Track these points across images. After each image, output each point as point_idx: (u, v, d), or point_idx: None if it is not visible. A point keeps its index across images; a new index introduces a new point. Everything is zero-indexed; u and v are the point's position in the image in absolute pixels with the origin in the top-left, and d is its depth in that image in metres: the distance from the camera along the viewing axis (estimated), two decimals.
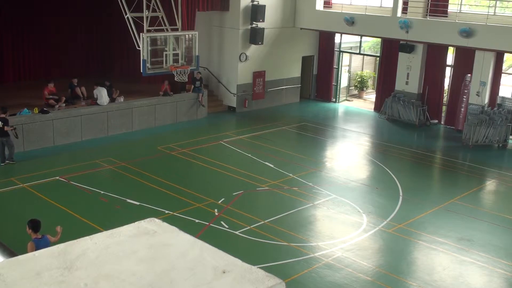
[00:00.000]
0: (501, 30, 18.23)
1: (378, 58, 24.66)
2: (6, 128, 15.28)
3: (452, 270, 10.89)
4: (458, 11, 19.89)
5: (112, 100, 18.84)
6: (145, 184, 14.51)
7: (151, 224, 2.16)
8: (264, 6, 21.82)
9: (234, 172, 15.72)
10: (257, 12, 21.71)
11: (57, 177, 14.68)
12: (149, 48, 16.78)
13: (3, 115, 15.38)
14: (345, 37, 24.81)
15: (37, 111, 17.14)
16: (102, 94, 18.43)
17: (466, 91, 20.16)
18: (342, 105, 24.95)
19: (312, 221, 13.05)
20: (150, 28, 17.12)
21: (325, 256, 11.16)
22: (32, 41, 21.86)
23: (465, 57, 20.39)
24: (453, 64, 21.32)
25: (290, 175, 15.59)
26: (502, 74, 20.49)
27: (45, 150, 16.86)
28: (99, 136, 18.28)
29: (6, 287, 1.73)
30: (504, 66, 21.66)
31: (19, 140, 16.37)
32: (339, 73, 25.06)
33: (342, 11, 22.18)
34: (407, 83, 21.96)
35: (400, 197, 14.36)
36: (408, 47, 21.20)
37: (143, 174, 15.17)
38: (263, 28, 22.04)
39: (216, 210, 13.05)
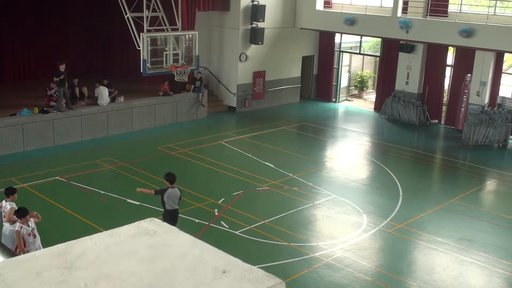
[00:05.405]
0: (501, 30, 18.23)
1: (378, 58, 24.66)
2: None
3: (452, 270, 10.89)
4: (458, 11, 19.88)
5: (112, 100, 18.83)
6: (145, 184, 14.49)
7: (151, 224, 2.16)
8: (264, 6, 21.82)
9: (234, 172, 15.72)
10: (257, 12, 21.71)
11: (57, 177, 14.68)
12: (149, 48, 16.77)
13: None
14: (345, 37, 24.80)
15: (37, 111, 17.14)
16: (103, 94, 18.42)
17: (466, 91, 20.15)
18: (342, 105, 24.95)
19: (312, 221, 13.05)
20: (150, 28, 17.11)
21: (325, 256, 11.16)
22: (32, 41, 21.85)
23: (465, 57, 20.38)
24: (453, 64, 21.30)
25: (290, 175, 15.58)
26: (502, 74, 20.48)
27: (45, 150, 16.85)
28: (99, 136, 18.27)
29: (6, 287, 1.73)
30: (504, 66, 21.63)
31: (19, 140, 16.45)
32: (339, 73, 25.04)
33: (342, 11, 22.17)
34: (407, 83, 21.95)
35: (400, 197, 14.36)
36: (408, 47, 21.18)
37: (143, 174, 15.16)
38: (263, 28, 22.03)
39: (216, 210, 13.05)
